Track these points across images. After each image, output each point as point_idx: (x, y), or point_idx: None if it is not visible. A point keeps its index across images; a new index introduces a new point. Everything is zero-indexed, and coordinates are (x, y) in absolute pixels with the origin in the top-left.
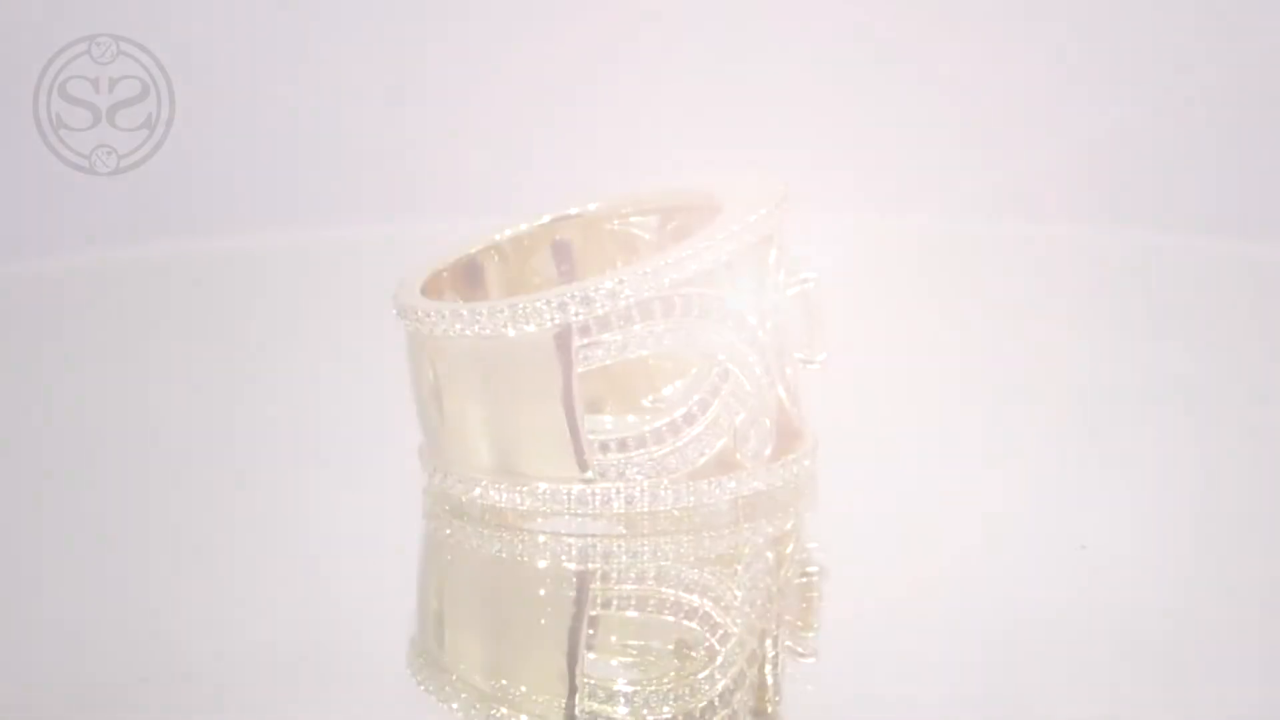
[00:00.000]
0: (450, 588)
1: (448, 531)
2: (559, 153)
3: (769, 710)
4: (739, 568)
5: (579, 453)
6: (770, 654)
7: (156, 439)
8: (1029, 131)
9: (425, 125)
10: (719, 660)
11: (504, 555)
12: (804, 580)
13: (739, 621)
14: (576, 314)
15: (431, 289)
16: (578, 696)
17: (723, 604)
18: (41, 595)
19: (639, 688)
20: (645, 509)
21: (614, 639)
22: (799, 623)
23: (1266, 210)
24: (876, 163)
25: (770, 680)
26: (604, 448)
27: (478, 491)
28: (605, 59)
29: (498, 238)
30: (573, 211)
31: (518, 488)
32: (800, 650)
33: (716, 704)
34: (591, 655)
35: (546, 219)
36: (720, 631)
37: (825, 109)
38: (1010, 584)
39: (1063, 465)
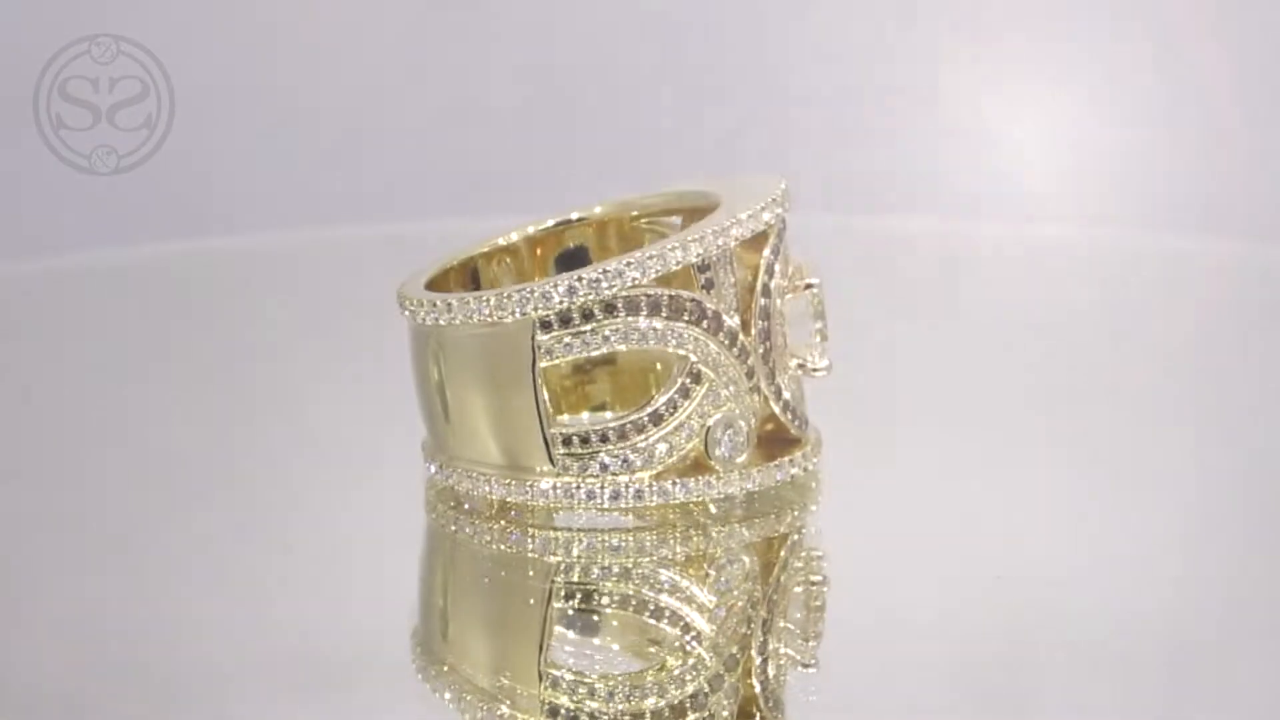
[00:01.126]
0: (449, 581)
1: (450, 526)
2: (569, 154)
3: (758, 718)
4: (710, 570)
5: (543, 445)
6: (758, 661)
7: (159, 436)
8: (1028, 132)
9: (429, 125)
10: (689, 661)
11: (487, 547)
12: (805, 589)
13: (713, 625)
14: (536, 309)
15: (439, 286)
16: (539, 686)
17: (694, 604)
18: (45, 594)
19: (602, 683)
20: (605, 505)
21: (580, 634)
22: (799, 632)
23: (1265, 212)
24: (879, 163)
25: (759, 689)
26: (567, 442)
27: (455, 480)
28: (609, 59)
29: (502, 242)
30: (574, 216)
31: (489, 477)
32: (801, 660)
33: (688, 705)
34: (558, 648)
35: (551, 223)
36: (692, 632)
37: (827, 109)
38: (1011, 588)
39: (1064, 468)
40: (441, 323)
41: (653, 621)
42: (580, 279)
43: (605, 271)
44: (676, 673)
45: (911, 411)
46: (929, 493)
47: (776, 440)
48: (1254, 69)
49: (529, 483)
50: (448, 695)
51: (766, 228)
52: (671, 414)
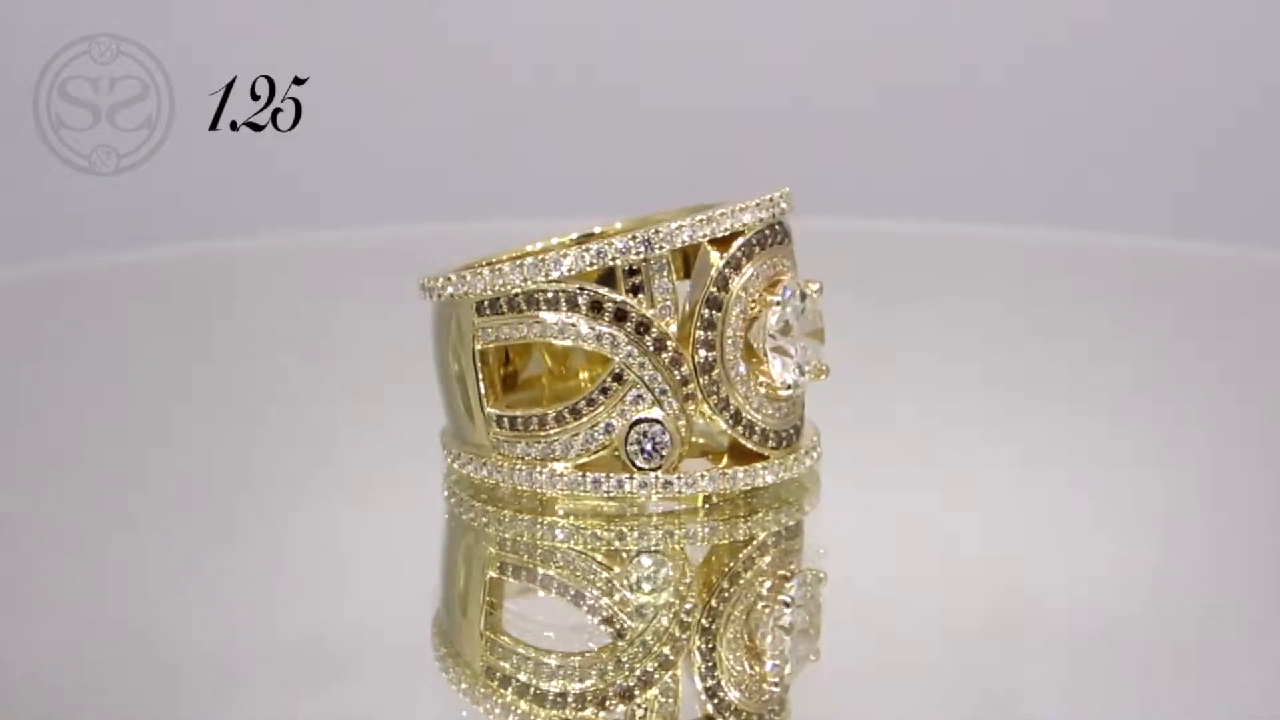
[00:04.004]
0: (460, 568)
1: (463, 512)
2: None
3: None
4: (637, 569)
5: (483, 424)
6: (702, 666)
7: (170, 434)
8: (1024, 136)
9: (438, 128)
10: (617, 655)
11: (485, 529)
12: (772, 607)
13: (640, 622)
14: (466, 292)
15: None
16: (480, 651)
17: (616, 599)
18: (62, 591)
19: (535, 655)
20: (526, 488)
21: (518, 608)
22: (751, 648)
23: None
24: (876, 167)
25: (704, 695)
26: (500, 422)
27: (460, 464)
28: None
29: (530, 248)
30: (596, 230)
31: (454, 453)
32: (766, 676)
33: (611, 694)
34: (504, 618)
35: (575, 235)
36: (616, 626)
37: (826, 112)
38: (1001, 590)
39: (1055, 469)
40: (428, 299)
41: (576, 608)
42: (501, 269)
43: (521, 265)
44: (603, 662)
45: (906, 415)
46: (922, 494)
47: (747, 449)
48: None
49: (472, 459)
50: (447, 677)
51: (717, 238)
52: (590, 410)
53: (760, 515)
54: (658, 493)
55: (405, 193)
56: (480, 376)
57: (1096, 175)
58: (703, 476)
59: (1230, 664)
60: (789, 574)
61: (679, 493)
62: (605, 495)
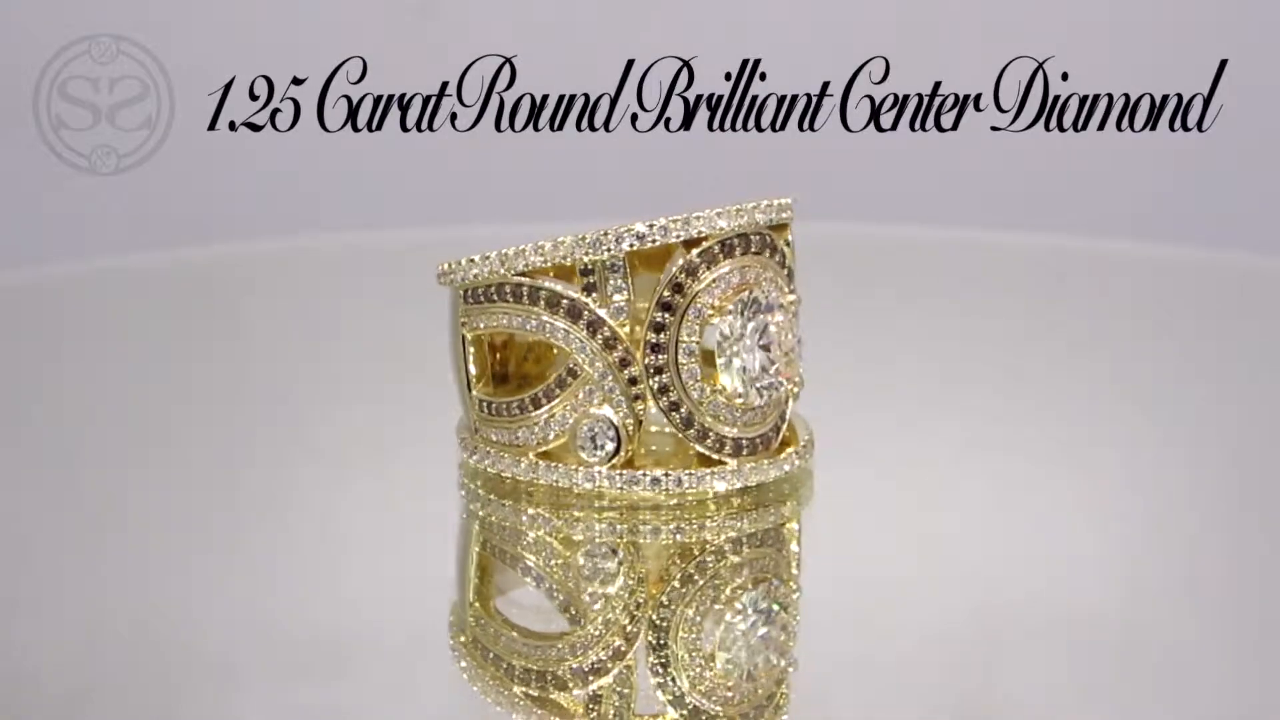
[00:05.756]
0: (460, 544)
1: (475, 505)
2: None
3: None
4: (580, 559)
5: (468, 409)
6: (656, 661)
7: (175, 432)
8: (1021, 139)
9: (445, 130)
10: (573, 639)
11: (504, 524)
12: (725, 613)
13: (595, 610)
14: (451, 280)
15: None
16: (468, 623)
17: (572, 587)
18: (73, 587)
19: (506, 631)
20: (495, 471)
21: (505, 594)
22: (708, 651)
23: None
24: (877, 169)
25: (658, 689)
26: (481, 407)
27: (474, 456)
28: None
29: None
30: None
31: (460, 437)
32: (711, 679)
33: (566, 676)
34: (493, 601)
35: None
36: (570, 612)
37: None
38: (989, 593)
39: (1041, 470)
40: (441, 283)
41: (537, 591)
42: (474, 260)
43: (489, 257)
44: (561, 645)
45: (903, 416)
46: (915, 496)
47: (695, 457)
48: None
49: (465, 442)
50: (449, 644)
51: (676, 242)
52: (547, 401)
53: (735, 517)
54: (601, 487)
55: (405, 194)
56: (469, 362)
57: (1094, 179)
58: (645, 475)
59: (1210, 664)
60: (754, 579)
61: (620, 489)
62: (554, 484)
